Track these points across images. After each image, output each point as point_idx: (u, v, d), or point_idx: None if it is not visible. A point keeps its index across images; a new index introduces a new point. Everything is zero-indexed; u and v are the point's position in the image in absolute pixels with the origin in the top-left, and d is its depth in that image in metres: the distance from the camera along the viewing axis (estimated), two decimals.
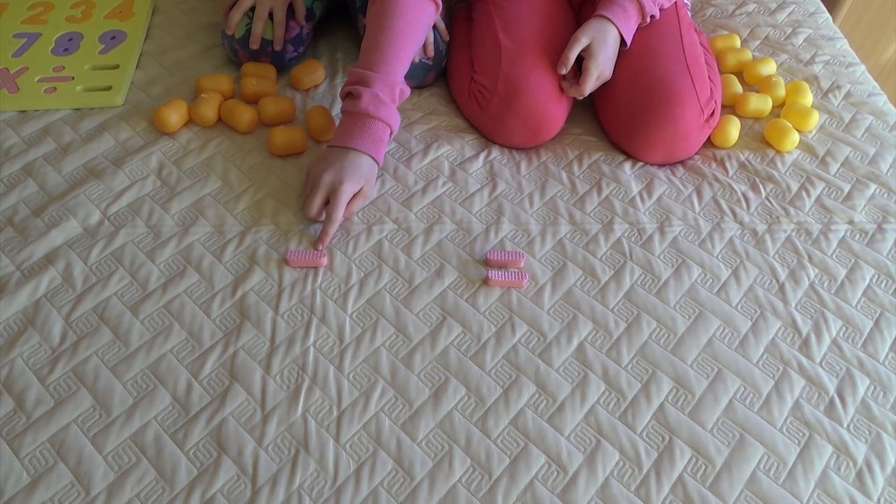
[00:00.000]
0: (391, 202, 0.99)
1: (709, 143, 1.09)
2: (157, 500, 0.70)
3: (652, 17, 1.08)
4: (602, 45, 1.02)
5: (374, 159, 0.95)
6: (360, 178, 0.93)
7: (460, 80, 1.12)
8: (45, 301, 0.85)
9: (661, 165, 1.07)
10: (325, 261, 0.90)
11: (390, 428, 0.76)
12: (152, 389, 0.78)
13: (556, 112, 1.04)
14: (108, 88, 1.12)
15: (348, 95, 0.97)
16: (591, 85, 1.03)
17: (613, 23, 1.03)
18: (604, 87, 1.10)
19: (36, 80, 1.13)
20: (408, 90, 0.99)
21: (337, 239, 0.94)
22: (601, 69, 1.02)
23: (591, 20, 1.03)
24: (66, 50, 1.19)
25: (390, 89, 0.96)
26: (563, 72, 1.03)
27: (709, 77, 1.06)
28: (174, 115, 1.05)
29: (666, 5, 1.10)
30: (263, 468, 0.73)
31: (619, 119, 1.07)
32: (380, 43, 0.97)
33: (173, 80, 1.16)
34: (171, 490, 0.71)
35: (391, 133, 0.98)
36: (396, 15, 0.97)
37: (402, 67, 0.98)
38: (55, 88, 1.11)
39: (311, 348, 0.83)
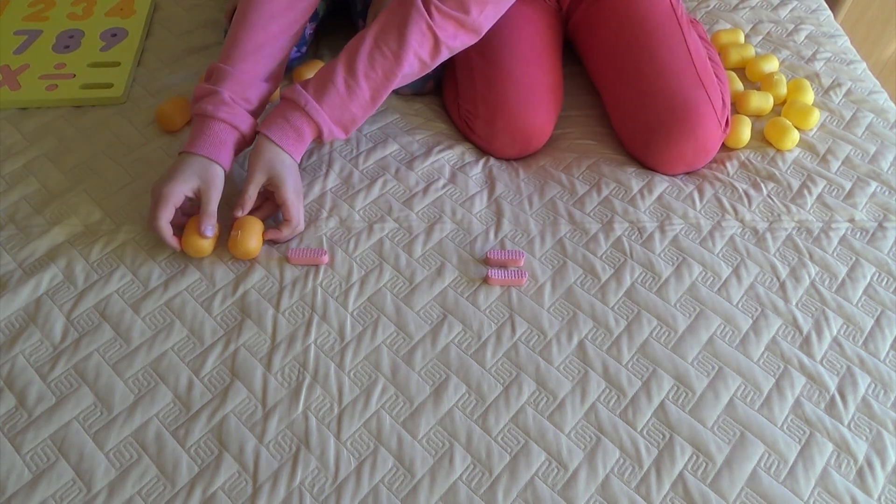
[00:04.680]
0: (392, 201, 0.99)
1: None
2: (158, 497, 0.70)
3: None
4: (286, 175, 0.90)
5: (212, 160, 0.88)
6: (191, 177, 0.86)
7: (451, 105, 1.12)
8: (47, 298, 0.86)
9: None
10: (326, 258, 0.90)
11: (391, 425, 0.77)
12: (153, 387, 0.78)
13: (540, 121, 1.03)
14: (110, 86, 1.12)
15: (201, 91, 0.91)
16: (296, 225, 0.91)
17: (286, 151, 0.90)
18: (616, 104, 1.09)
19: (37, 77, 1.13)
20: (267, 87, 0.94)
21: (338, 237, 0.94)
22: (296, 202, 0.91)
23: (259, 144, 0.90)
24: (67, 47, 1.19)
25: (242, 90, 0.91)
26: (240, 214, 0.89)
27: (716, 76, 1.06)
28: (177, 113, 1.06)
29: (358, 123, 0.95)
30: (264, 465, 0.73)
31: (637, 136, 1.05)
32: (238, 37, 0.92)
33: (174, 77, 1.16)
34: (172, 487, 0.71)
35: (241, 135, 0.91)
36: (260, 8, 0.92)
37: (262, 65, 0.93)
38: (56, 85, 1.12)
39: (312, 346, 0.83)
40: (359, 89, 0.91)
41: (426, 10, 0.89)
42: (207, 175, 0.88)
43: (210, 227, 0.87)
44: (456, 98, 1.10)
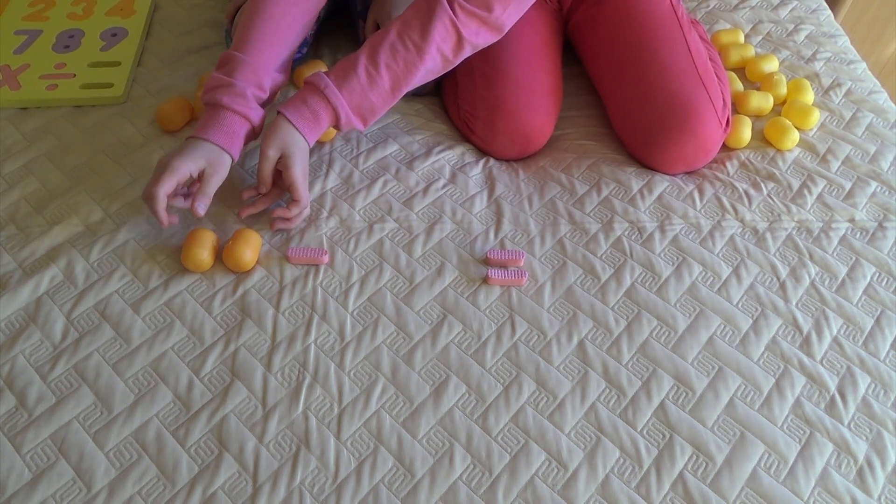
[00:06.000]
0: (392, 201, 0.99)
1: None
2: (158, 497, 0.70)
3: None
4: (297, 155, 0.90)
5: (223, 148, 0.89)
6: (200, 157, 0.87)
7: (451, 106, 1.12)
8: (47, 298, 0.86)
9: None
10: (326, 258, 0.91)
11: (391, 425, 0.77)
12: (153, 387, 0.78)
13: (539, 122, 1.04)
14: (110, 85, 1.12)
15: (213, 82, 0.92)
16: (304, 206, 0.92)
17: (301, 132, 0.90)
18: (616, 104, 1.09)
19: (37, 76, 1.13)
20: (280, 77, 0.96)
21: (338, 237, 0.94)
22: (304, 183, 0.91)
23: (275, 123, 0.90)
24: (67, 47, 1.19)
25: (257, 79, 0.92)
26: (264, 190, 0.92)
27: (716, 76, 1.06)
28: (177, 113, 1.06)
29: (374, 117, 0.95)
30: (264, 465, 0.73)
31: (638, 136, 1.05)
32: (253, 26, 0.93)
33: (175, 77, 1.16)
34: (172, 487, 0.71)
35: (252, 128, 0.92)
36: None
37: (276, 55, 0.94)
38: (57, 85, 1.12)
39: (312, 346, 0.83)
40: (379, 79, 0.91)
41: (450, 6, 0.90)
42: (216, 160, 0.89)
43: (203, 206, 0.87)
44: (456, 99, 1.10)
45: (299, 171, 0.90)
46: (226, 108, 0.90)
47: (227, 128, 0.90)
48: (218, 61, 0.94)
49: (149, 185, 0.86)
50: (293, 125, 0.90)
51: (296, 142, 0.90)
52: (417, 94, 1.16)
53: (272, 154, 0.89)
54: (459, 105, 1.09)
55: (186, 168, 0.86)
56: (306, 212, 0.94)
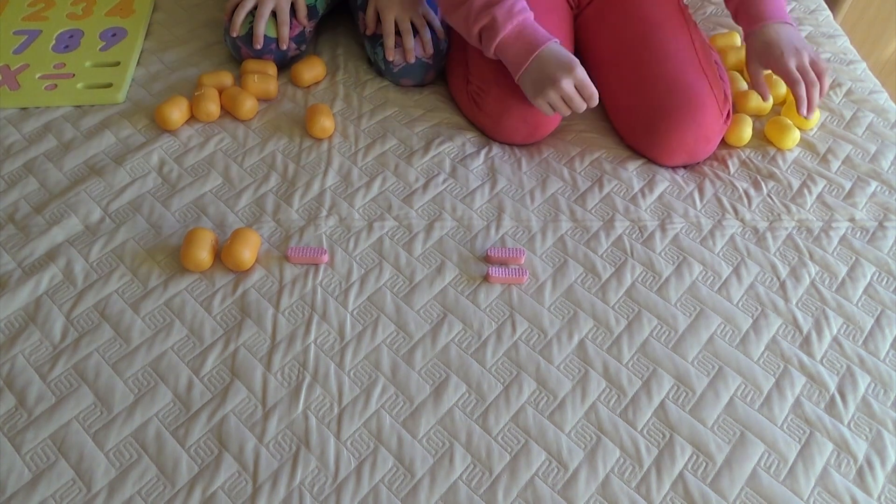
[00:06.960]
0: (392, 199, 0.99)
1: (721, 142, 1.09)
2: (158, 496, 0.70)
3: None
4: (784, 43, 1.01)
5: (554, 39, 0.99)
6: (563, 58, 0.97)
7: (458, 82, 1.12)
8: (47, 298, 0.86)
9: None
10: (325, 258, 0.90)
11: (391, 425, 0.77)
12: (153, 386, 0.78)
13: None
14: (109, 85, 1.12)
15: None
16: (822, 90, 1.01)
17: (788, 22, 1.04)
18: (615, 92, 1.09)
19: (37, 77, 1.13)
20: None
21: (338, 236, 0.94)
22: (816, 66, 1.02)
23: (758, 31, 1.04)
24: (66, 47, 1.19)
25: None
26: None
27: (718, 74, 1.06)
28: (176, 113, 1.05)
29: None
30: (264, 465, 0.73)
31: (637, 125, 1.06)
32: None
33: (174, 76, 1.16)
34: (172, 487, 0.71)
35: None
36: None
37: None
38: (56, 85, 1.11)
39: (312, 345, 0.83)
40: None
41: None
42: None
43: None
44: (465, 74, 1.09)
45: None
46: (524, 18, 0.99)
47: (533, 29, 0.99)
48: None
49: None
50: None
51: None
52: (417, 84, 1.16)
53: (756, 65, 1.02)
54: (470, 80, 1.08)
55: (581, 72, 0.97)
56: None
